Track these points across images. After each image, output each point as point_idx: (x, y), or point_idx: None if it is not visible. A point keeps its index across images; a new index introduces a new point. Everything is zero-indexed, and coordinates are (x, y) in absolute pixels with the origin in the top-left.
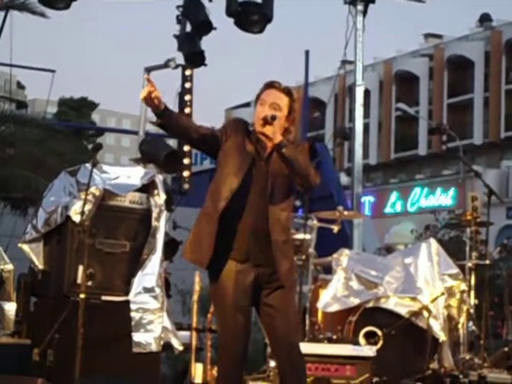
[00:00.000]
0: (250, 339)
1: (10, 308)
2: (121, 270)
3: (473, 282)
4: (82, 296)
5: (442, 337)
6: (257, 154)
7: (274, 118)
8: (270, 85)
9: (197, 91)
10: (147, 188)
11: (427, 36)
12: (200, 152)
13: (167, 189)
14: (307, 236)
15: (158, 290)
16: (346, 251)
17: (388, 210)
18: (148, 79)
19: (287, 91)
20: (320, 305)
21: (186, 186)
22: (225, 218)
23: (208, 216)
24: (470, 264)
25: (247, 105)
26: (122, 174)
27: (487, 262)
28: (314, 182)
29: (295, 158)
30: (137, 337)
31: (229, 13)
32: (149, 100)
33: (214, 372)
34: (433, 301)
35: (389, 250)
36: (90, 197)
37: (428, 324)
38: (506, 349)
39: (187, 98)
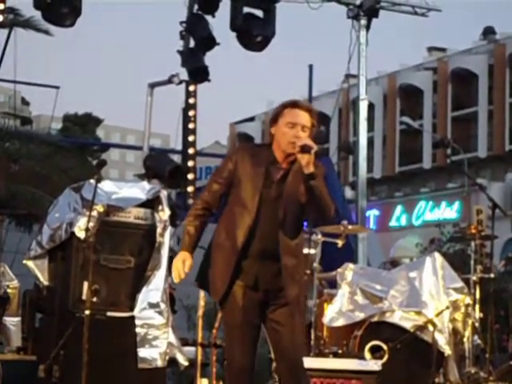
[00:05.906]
0: (256, 354)
1: (16, 324)
2: (126, 286)
3: (478, 295)
4: (87, 312)
5: (447, 351)
6: (268, 177)
7: (315, 153)
8: (295, 104)
9: (201, 106)
10: (152, 203)
11: (431, 49)
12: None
13: (172, 204)
14: (312, 251)
15: (163, 306)
16: (351, 266)
17: (393, 223)
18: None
19: (309, 109)
20: (325, 319)
21: (191, 201)
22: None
23: (223, 250)
24: (474, 277)
25: (251, 119)
26: (126, 189)
27: (492, 275)
28: (329, 218)
29: (320, 191)
30: (142, 352)
31: (233, 28)
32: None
33: None
34: (438, 315)
35: (394, 263)
36: (94, 213)
37: (433, 338)
38: None
39: (191, 113)
